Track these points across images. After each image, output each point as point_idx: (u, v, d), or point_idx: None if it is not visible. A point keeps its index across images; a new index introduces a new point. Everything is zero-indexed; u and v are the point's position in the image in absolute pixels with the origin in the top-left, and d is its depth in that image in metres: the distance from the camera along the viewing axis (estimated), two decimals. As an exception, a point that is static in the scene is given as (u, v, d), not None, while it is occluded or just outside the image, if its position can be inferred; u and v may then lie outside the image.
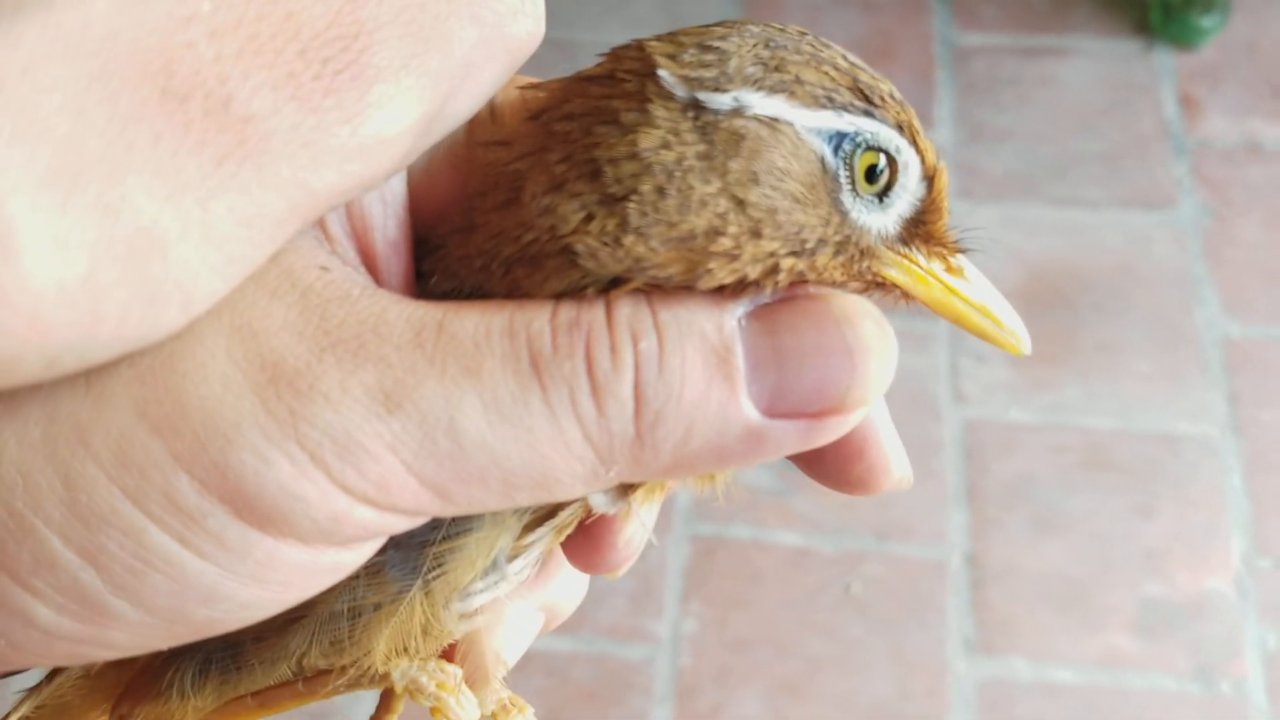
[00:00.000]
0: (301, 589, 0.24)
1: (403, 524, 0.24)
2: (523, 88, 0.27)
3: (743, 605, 1.32)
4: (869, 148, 0.27)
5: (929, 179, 0.28)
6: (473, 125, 0.27)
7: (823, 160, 0.26)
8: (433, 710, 0.32)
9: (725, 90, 0.26)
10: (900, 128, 0.27)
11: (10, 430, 0.22)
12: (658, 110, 0.25)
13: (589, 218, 0.25)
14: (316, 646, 0.30)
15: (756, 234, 0.25)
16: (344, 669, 0.31)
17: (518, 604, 0.33)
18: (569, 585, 0.35)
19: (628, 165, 0.25)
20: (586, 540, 0.32)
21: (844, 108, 0.26)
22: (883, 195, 0.27)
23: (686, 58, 0.26)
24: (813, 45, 0.27)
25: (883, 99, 0.27)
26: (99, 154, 0.20)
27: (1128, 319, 1.53)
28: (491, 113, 0.27)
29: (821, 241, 0.26)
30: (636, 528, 0.31)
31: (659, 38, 0.27)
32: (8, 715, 0.33)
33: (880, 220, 0.27)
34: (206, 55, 0.20)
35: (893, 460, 0.28)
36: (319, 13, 0.21)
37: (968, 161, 1.68)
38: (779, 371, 0.24)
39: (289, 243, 0.23)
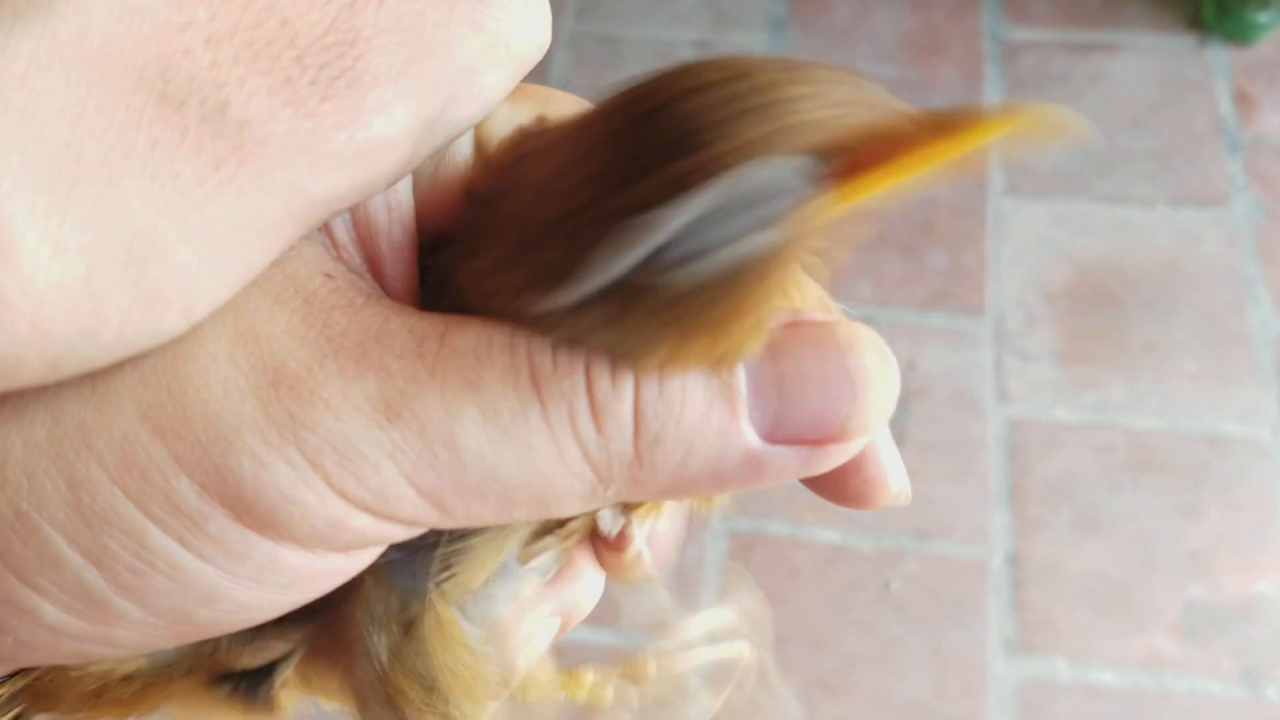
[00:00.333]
0: (302, 591, 0.24)
1: (401, 533, 0.24)
2: (526, 126, 0.26)
3: (779, 602, 1.31)
4: None
5: None
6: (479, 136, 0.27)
7: None
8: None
9: None
10: None
11: (16, 431, 0.22)
12: None
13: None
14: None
15: None
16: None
17: (534, 609, 0.33)
18: (588, 586, 0.35)
19: None
20: (598, 549, 0.32)
21: None
22: None
23: None
24: None
25: None
26: (97, 159, 0.20)
27: (1177, 318, 1.51)
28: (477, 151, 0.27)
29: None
30: (639, 544, 0.31)
31: None
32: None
33: None
34: (203, 61, 0.21)
35: (890, 475, 0.27)
36: (315, 19, 0.22)
37: (1015, 158, 1.66)
38: (780, 398, 0.24)
39: (294, 249, 0.24)
